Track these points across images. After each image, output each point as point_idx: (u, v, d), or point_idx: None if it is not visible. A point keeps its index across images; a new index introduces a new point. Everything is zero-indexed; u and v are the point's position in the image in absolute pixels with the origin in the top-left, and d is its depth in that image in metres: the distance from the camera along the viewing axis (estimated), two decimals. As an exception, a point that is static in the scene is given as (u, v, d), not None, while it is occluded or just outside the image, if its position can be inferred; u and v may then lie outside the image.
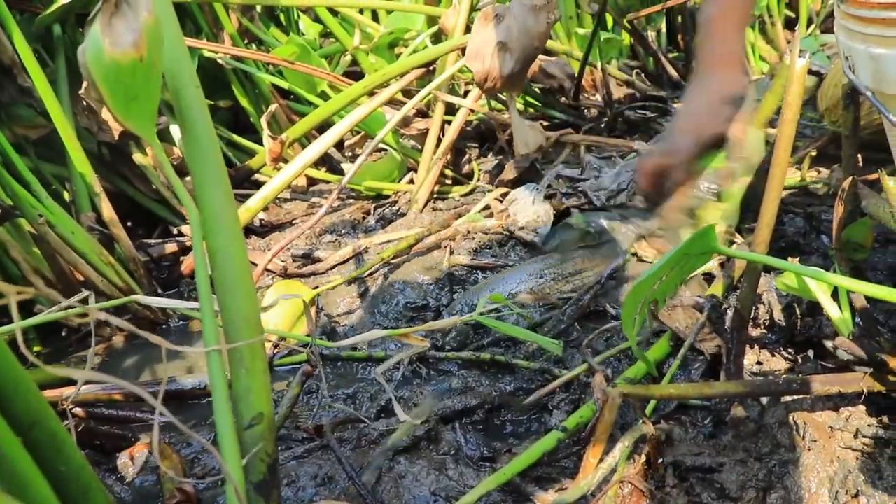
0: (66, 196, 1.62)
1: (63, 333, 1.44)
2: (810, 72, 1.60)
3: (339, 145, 1.99)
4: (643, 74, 2.28)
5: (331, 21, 2.05)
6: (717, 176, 1.01)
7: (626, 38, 2.38)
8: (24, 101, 1.53)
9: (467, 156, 1.91)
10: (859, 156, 1.27)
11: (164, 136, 1.74)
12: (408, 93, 1.88)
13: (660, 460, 0.90)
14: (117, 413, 1.19)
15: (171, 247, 1.65)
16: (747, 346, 1.06)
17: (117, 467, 1.08)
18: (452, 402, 1.10)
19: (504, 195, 1.64)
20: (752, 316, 1.05)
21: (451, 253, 1.48)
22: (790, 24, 2.49)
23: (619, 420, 1.02)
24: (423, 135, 1.78)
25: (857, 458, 0.90)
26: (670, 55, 2.40)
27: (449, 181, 1.84)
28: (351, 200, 1.89)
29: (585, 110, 2.08)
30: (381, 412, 1.14)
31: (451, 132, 1.74)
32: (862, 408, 0.95)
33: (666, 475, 0.90)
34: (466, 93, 1.90)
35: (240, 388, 0.73)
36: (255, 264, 1.56)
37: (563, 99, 2.04)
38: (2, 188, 1.30)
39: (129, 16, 0.62)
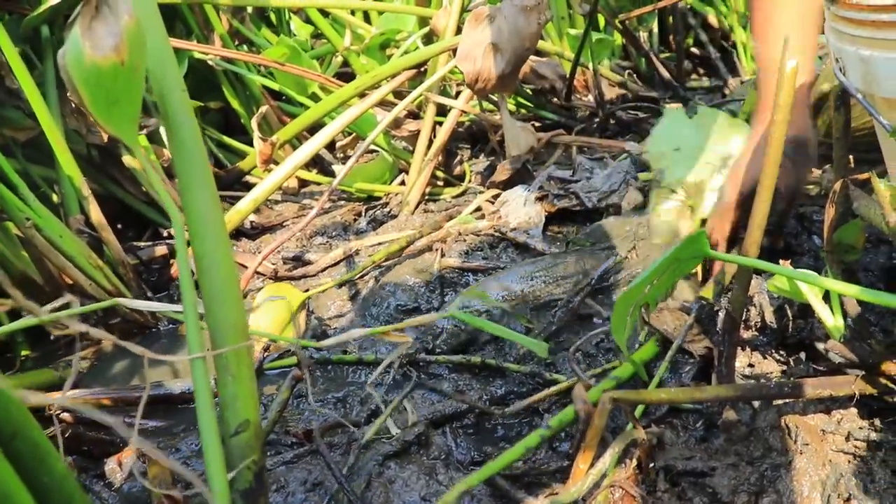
0: (56, 199, 1.61)
1: (52, 337, 1.43)
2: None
3: (332, 147, 1.98)
4: (635, 75, 2.27)
5: (321, 22, 2.04)
6: None
7: (619, 39, 2.38)
8: (12, 103, 1.52)
9: (459, 157, 1.91)
10: (851, 157, 1.27)
11: (154, 137, 1.73)
12: (399, 94, 1.87)
13: (651, 464, 0.90)
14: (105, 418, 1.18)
15: (160, 249, 1.64)
16: (739, 348, 1.05)
17: (105, 473, 1.07)
18: (443, 406, 1.10)
19: (496, 197, 1.64)
20: (743, 318, 1.05)
21: (443, 255, 1.47)
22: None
23: (610, 424, 1.02)
24: (414, 136, 1.78)
25: (850, 462, 0.90)
26: (662, 56, 2.40)
27: (440, 183, 1.84)
28: (342, 202, 1.88)
29: (577, 111, 2.07)
30: (372, 416, 1.13)
31: (442, 134, 1.73)
32: (854, 411, 0.94)
33: (657, 480, 0.90)
34: (458, 94, 1.89)
35: (226, 395, 0.72)
36: (246, 267, 1.55)
37: (554, 100, 2.04)
38: (-11, 191, 1.29)
39: (110, 19, 0.61)
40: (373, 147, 1.85)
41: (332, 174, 1.94)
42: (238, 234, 1.74)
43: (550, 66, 1.98)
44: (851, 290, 0.71)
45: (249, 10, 2.11)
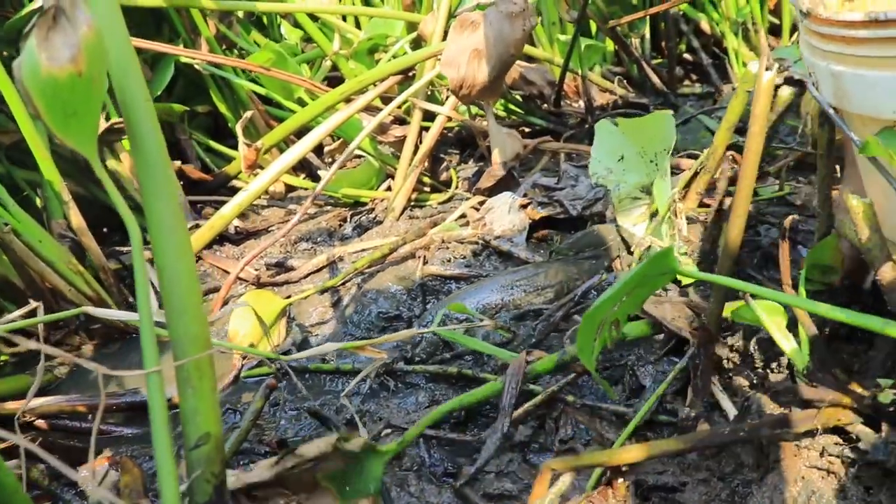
0: (40, 203, 1.61)
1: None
2: (792, 81, 1.59)
3: (320, 152, 1.97)
4: (626, 81, 2.26)
5: (310, 26, 2.03)
6: None
7: (610, 45, 2.37)
8: (-5, 106, 1.51)
9: (446, 163, 1.90)
10: (837, 167, 1.26)
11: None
12: (387, 99, 1.87)
13: (620, 479, 0.89)
14: (80, 425, 1.17)
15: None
16: (715, 363, 1.04)
17: (77, 481, 1.06)
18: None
19: (481, 203, 1.63)
20: (720, 332, 1.04)
21: (425, 263, 1.46)
22: (775, 32, 2.48)
23: (583, 437, 1.01)
24: (400, 142, 1.77)
25: (823, 478, 0.89)
26: (654, 62, 2.39)
27: (427, 189, 1.83)
28: (329, 207, 1.87)
29: (567, 117, 2.07)
30: (347, 425, 1.12)
31: (428, 140, 1.72)
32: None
33: (628, 494, 0.89)
34: (447, 99, 1.89)
35: (187, 409, 0.72)
36: (228, 272, 1.55)
37: (544, 106, 2.03)
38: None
39: (68, 30, 0.61)
40: (360, 152, 1.84)
41: (319, 179, 1.94)
42: (222, 239, 1.73)
43: (539, 71, 1.97)
44: (818, 307, 0.70)
45: (240, 13, 2.10)
